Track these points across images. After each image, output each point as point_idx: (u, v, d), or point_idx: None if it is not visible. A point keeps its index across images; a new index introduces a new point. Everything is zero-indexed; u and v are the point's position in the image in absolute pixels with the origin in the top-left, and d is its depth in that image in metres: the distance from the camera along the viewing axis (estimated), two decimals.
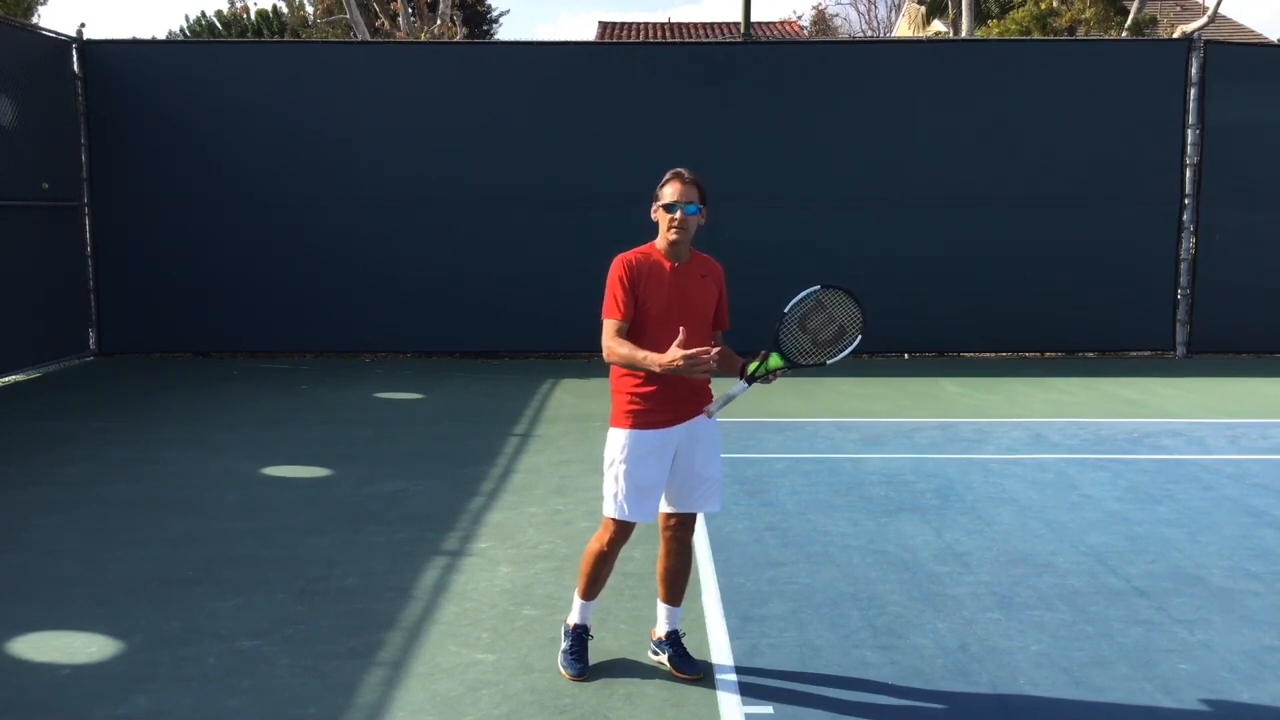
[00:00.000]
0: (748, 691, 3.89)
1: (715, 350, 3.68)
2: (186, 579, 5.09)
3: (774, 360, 3.90)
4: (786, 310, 3.97)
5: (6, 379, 10.58)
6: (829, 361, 4.02)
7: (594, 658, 4.15)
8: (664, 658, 4.12)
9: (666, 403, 3.90)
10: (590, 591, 4.14)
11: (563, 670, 4.08)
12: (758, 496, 6.45)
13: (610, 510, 3.96)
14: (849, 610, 4.68)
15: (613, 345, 3.86)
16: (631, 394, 3.93)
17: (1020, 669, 4.10)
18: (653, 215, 3.98)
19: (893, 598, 4.83)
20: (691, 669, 4.03)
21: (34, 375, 10.94)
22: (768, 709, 3.77)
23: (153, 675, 4.06)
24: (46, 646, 4.33)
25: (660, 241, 3.97)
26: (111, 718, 3.74)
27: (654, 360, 3.71)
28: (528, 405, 9.40)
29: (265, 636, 4.41)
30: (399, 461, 7.38)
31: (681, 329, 3.71)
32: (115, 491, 6.63)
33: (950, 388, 10.33)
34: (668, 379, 3.83)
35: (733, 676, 4.01)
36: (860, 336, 4.03)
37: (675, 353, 3.65)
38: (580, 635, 4.14)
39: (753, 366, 3.92)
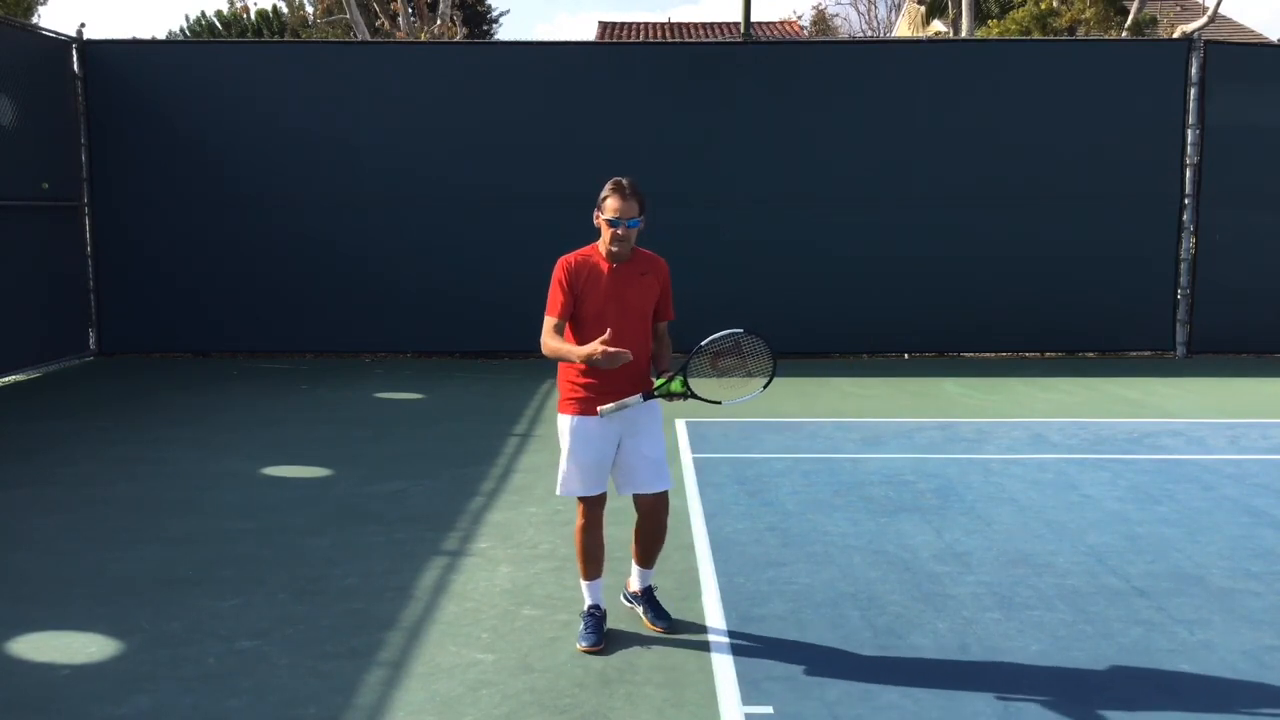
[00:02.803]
0: (748, 691, 3.89)
1: (610, 347, 3.94)
2: (186, 579, 5.09)
3: (675, 384, 4.19)
4: (704, 343, 4.27)
5: (6, 379, 10.58)
6: (725, 403, 4.31)
7: (594, 659, 4.17)
8: (638, 610, 4.50)
9: (607, 391, 4.20)
10: (590, 571, 4.40)
11: (579, 644, 4.27)
12: (758, 496, 6.45)
13: (559, 489, 4.36)
14: (849, 610, 4.68)
15: (545, 340, 4.24)
16: (574, 382, 4.30)
17: (1020, 669, 4.10)
18: (595, 221, 4.27)
19: (893, 598, 4.82)
20: (664, 621, 4.40)
21: (34, 375, 10.94)
22: (768, 709, 3.77)
23: (153, 675, 4.06)
24: (46, 646, 4.33)
25: (602, 246, 4.27)
26: (111, 718, 3.74)
27: (577, 353, 4.08)
28: (528, 405, 9.40)
29: (265, 636, 4.41)
30: (399, 461, 7.38)
31: (609, 330, 4.03)
32: (115, 491, 6.63)
33: (950, 388, 10.32)
34: (606, 369, 4.11)
35: (733, 676, 4.01)
36: (762, 390, 4.35)
37: (596, 346, 3.99)
38: (593, 614, 4.37)
39: (658, 383, 4.22)
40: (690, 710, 3.78)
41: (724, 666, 4.10)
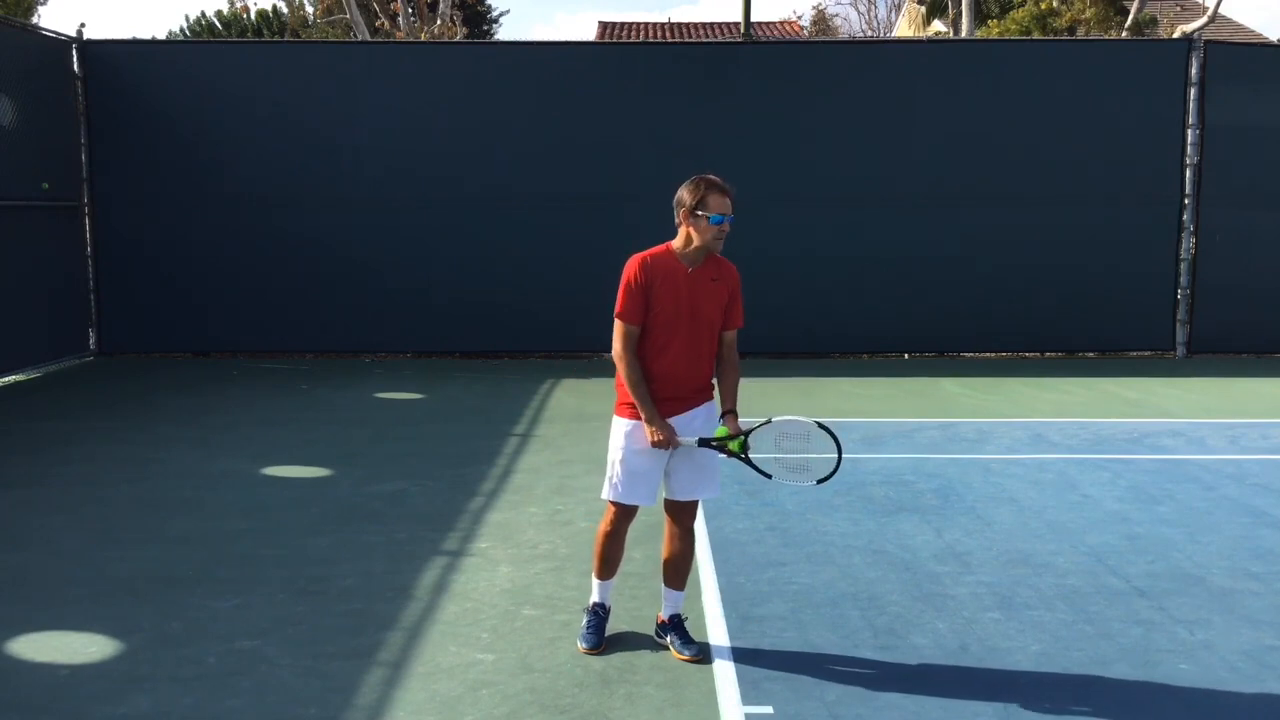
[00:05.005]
0: (748, 691, 3.89)
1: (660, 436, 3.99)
2: (186, 579, 5.09)
3: (735, 444, 4.05)
4: (776, 418, 4.12)
5: (6, 379, 10.58)
6: (775, 479, 4.18)
7: (594, 659, 4.18)
8: (667, 640, 4.28)
9: (669, 399, 4.10)
10: (604, 571, 4.33)
11: (579, 645, 4.24)
12: (758, 496, 6.45)
13: (605, 492, 4.22)
14: (849, 610, 4.68)
15: (621, 352, 4.06)
16: None
17: (1020, 669, 4.10)
18: (685, 221, 4.09)
19: (893, 598, 4.82)
20: (690, 650, 4.18)
21: (34, 375, 10.94)
22: (767, 709, 3.77)
23: (153, 675, 4.06)
24: (46, 646, 4.33)
25: (682, 243, 4.12)
26: (111, 718, 3.74)
27: (644, 412, 4.00)
28: (528, 405, 9.40)
29: (265, 636, 4.41)
30: (399, 461, 7.38)
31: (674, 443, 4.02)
32: (115, 491, 6.63)
33: (950, 388, 10.32)
34: (670, 375, 4.08)
35: (733, 676, 4.01)
36: (815, 484, 4.15)
37: (657, 426, 3.98)
38: (597, 612, 4.33)
39: (719, 430, 4.10)
40: (690, 710, 3.78)
41: (724, 666, 4.10)
